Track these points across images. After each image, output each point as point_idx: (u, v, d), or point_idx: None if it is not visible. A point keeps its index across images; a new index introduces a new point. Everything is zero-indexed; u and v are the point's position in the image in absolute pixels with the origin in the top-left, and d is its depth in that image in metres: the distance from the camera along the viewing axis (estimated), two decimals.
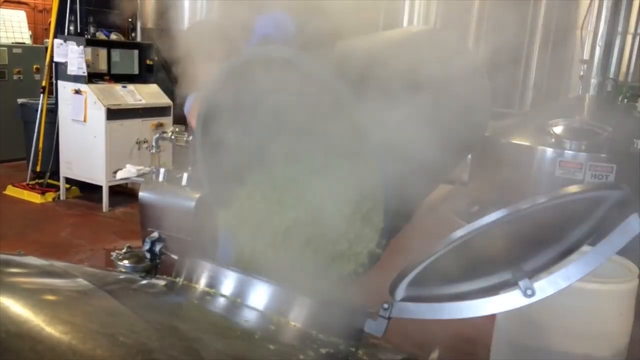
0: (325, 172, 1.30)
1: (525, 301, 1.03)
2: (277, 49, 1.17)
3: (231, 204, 1.38)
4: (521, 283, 1.04)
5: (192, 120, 1.82)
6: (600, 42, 6.03)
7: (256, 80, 1.22)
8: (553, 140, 5.67)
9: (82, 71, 5.99)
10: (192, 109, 1.82)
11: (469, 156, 7.19)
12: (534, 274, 1.12)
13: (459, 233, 0.94)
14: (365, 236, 1.25)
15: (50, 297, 0.86)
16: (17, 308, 0.77)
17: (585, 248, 1.11)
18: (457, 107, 1.52)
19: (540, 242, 1.11)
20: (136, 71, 6.46)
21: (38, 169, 6.57)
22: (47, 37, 7.06)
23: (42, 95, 6.42)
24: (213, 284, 1.11)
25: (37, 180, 6.59)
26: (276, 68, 1.17)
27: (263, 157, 1.38)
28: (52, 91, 6.47)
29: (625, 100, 6.04)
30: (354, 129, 1.21)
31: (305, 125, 1.30)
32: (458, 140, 1.53)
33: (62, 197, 6.39)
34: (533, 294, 1.03)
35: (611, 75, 6.26)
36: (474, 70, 1.71)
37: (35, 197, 6.33)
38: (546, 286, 1.02)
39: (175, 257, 1.30)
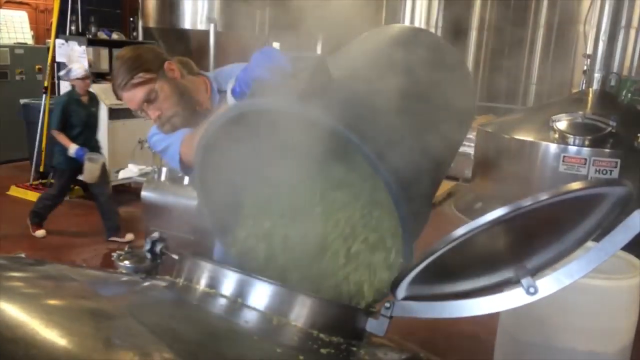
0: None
1: (528, 299, 1.02)
2: (280, 101, 1.17)
3: (232, 238, 1.40)
4: (524, 281, 1.03)
5: (186, 155, 1.82)
6: (603, 36, 6.00)
7: (255, 124, 1.22)
8: (556, 135, 5.65)
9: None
10: (185, 146, 1.83)
11: (472, 152, 7.18)
12: (536, 271, 1.11)
13: (461, 231, 0.93)
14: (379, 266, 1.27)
15: (46, 301, 0.85)
16: (12, 312, 0.76)
17: (588, 245, 1.10)
18: (445, 111, 1.53)
19: (543, 239, 1.10)
20: None
21: (41, 169, 6.58)
22: (49, 37, 7.06)
23: (44, 95, 6.43)
24: (213, 284, 1.10)
25: (40, 181, 6.60)
26: (277, 115, 1.18)
27: (264, 191, 1.39)
28: (54, 91, 6.48)
29: (629, 94, 6.01)
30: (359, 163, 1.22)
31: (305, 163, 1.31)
32: (448, 144, 1.53)
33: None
34: (536, 291, 1.01)
35: (614, 69, 6.23)
36: (458, 69, 1.71)
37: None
38: (549, 284, 1.01)
39: (175, 256, 1.29)
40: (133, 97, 1.81)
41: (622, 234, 0.97)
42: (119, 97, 1.86)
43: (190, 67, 1.99)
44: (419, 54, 1.56)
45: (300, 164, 1.32)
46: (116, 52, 6.25)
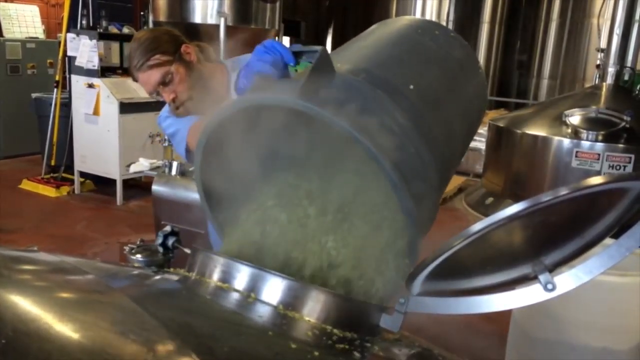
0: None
1: (546, 295, 1.00)
2: (280, 97, 1.14)
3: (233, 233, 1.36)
4: (541, 277, 1.01)
5: (192, 145, 1.81)
6: (617, 30, 5.93)
7: (261, 120, 1.20)
8: (569, 130, 5.59)
9: (95, 65, 6.01)
10: (191, 136, 1.82)
11: (483, 147, 7.13)
12: (554, 267, 1.10)
13: (478, 226, 0.91)
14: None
15: (60, 295, 0.85)
16: (25, 306, 0.76)
17: (607, 241, 1.08)
18: (456, 106, 1.51)
19: (561, 235, 1.08)
20: None
21: (53, 162, 6.62)
22: (60, 31, 7.09)
23: (55, 89, 6.46)
24: (226, 278, 1.09)
25: (51, 174, 6.64)
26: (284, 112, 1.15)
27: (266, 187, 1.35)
28: (65, 85, 6.51)
29: None
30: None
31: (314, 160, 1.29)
32: (457, 139, 1.51)
33: (76, 191, 6.44)
34: (554, 288, 1.00)
35: (628, 63, 6.16)
36: (471, 64, 1.68)
37: (50, 191, 6.38)
38: (567, 280, 1.00)
39: (188, 250, 1.28)
40: (148, 78, 1.81)
41: None
42: (134, 79, 1.86)
43: (208, 53, 1.98)
44: (428, 46, 1.53)
45: (305, 160, 1.30)
46: (127, 46, 6.27)
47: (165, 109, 2.04)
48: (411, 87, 1.31)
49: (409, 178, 1.09)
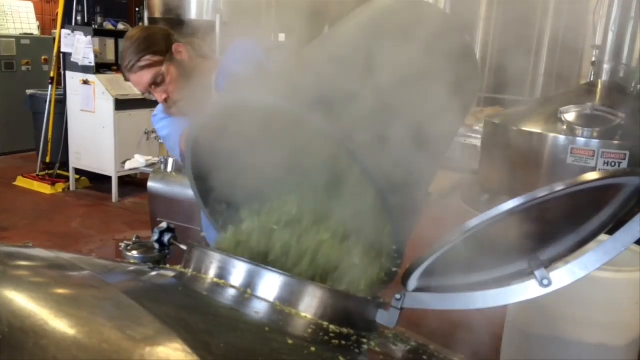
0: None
1: (542, 291, 1.01)
2: (250, 95, 1.14)
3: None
4: (537, 273, 1.01)
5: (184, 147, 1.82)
6: (612, 26, 5.93)
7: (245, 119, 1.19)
8: (564, 127, 5.60)
9: (90, 61, 5.99)
10: (184, 141, 1.82)
11: (478, 144, 7.13)
12: (550, 263, 1.10)
13: (475, 222, 0.92)
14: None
15: (55, 290, 0.84)
16: (21, 302, 0.76)
17: (603, 237, 1.09)
18: (446, 92, 1.46)
19: (557, 230, 1.08)
20: None
21: (48, 159, 6.60)
22: (55, 27, 7.05)
23: (50, 86, 6.44)
24: (222, 274, 1.09)
25: (46, 171, 6.62)
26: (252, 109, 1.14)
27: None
28: (60, 82, 6.48)
29: (639, 86, 5.94)
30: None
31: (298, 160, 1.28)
32: (447, 127, 1.46)
33: (71, 188, 6.42)
34: (550, 283, 1.00)
35: (624, 60, 6.15)
36: (462, 47, 1.62)
37: (45, 188, 6.36)
38: (563, 276, 1.00)
39: (184, 247, 1.28)
40: (140, 79, 1.80)
41: (638, 226, 0.96)
42: (126, 79, 1.85)
43: (202, 50, 1.96)
44: (414, 27, 1.47)
45: (284, 159, 1.29)
46: (122, 42, 6.25)
47: (159, 108, 2.03)
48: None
49: (390, 175, 1.08)
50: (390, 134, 1.14)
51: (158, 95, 1.82)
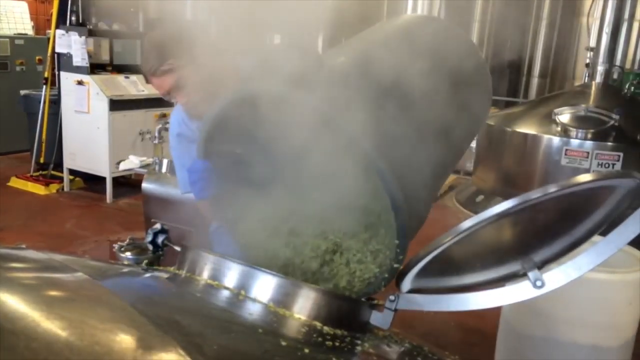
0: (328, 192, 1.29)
1: (535, 292, 1.01)
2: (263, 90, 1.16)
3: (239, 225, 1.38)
4: (531, 274, 1.02)
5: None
6: (606, 29, 5.96)
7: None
8: (559, 128, 5.63)
9: (85, 62, 5.96)
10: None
11: (474, 145, 7.15)
12: (543, 264, 1.10)
13: (468, 223, 0.92)
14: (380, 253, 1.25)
15: (47, 292, 0.84)
16: (12, 303, 0.75)
17: (596, 238, 1.09)
18: (458, 102, 1.49)
19: (550, 232, 1.08)
20: (139, 61, 6.42)
21: (42, 160, 6.56)
22: (49, 28, 7.02)
23: (44, 86, 6.40)
24: (216, 276, 1.09)
25: (40, 172, 6.59)
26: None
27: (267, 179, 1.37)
28: (54, 82, 6.45)
29: (632, 87, 5.97)
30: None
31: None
32: (459, 137, 1.50)
33: (66, 189, 6.39)
34: (543, 285, 1.00)
35: (618, 62, 6.19)
36: (474, 61, 1.67)
37: (39, 189, 6.33)
38: (556, 277, 1.00)
39: (177, 248, 1.28)
40: (162, 83, 1.80)
41: (632, 227, 0.96)
42: (148, 81, 1.84)
43: (220, 53, 1.96)
44: (430, 46, 1.51)
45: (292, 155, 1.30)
46: (117, 42, 6.22)
47: (175, 119, 2.02)
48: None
49: (402, 179, 1.09)
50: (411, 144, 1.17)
51: (179, 98, 1.81)
